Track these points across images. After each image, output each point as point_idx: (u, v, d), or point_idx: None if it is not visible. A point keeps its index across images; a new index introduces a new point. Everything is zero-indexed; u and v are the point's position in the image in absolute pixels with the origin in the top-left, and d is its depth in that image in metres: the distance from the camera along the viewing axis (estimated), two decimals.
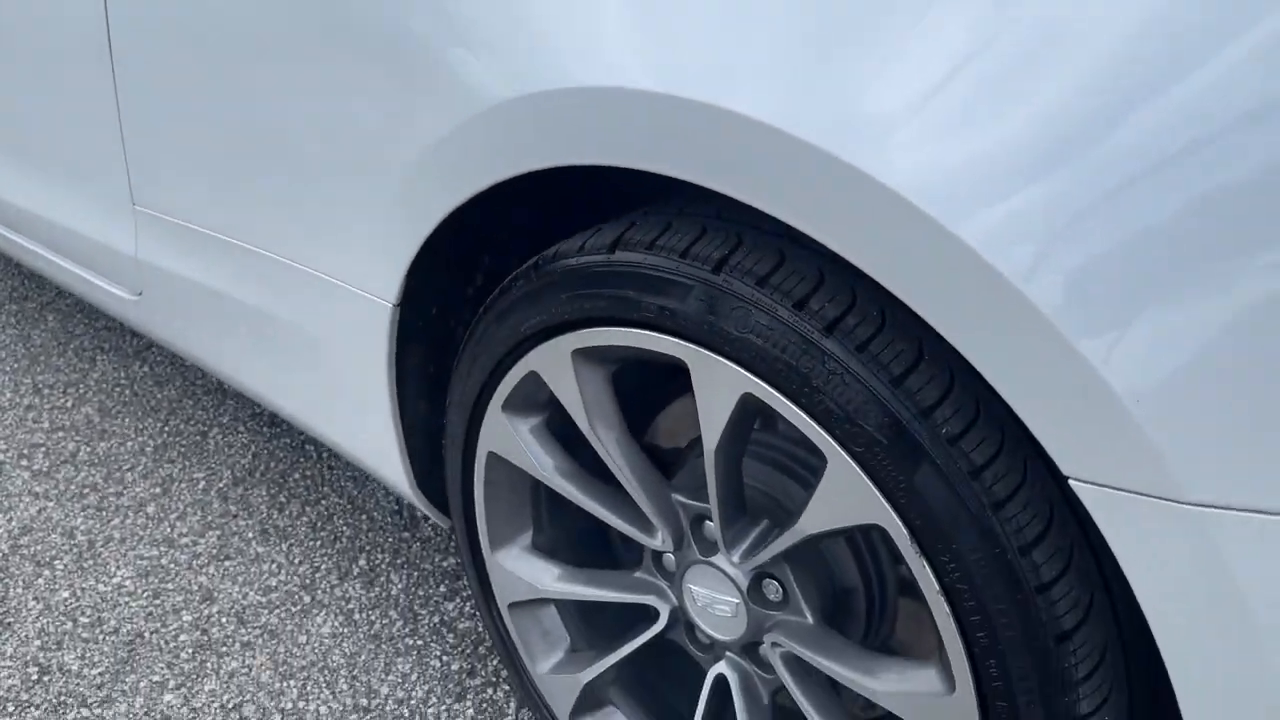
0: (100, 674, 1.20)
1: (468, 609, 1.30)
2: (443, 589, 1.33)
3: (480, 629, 1.26)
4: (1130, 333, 0.53)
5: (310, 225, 1.00)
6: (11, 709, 1.15)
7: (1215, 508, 0.53)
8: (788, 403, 0.69)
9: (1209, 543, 0.53)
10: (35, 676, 1.19)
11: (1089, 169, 0.53)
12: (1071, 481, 0.58)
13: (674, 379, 0.89)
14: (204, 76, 1.05)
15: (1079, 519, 0.63)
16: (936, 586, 0.66)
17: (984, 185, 0.55)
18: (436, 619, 1.28)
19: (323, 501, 1.49)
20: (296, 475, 1.54)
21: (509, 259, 0.94)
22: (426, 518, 1.45)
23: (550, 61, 0.73)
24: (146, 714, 1.14)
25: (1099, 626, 0.64)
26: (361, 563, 1.37)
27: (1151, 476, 0.54)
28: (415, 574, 1.35)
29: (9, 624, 1.26)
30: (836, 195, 0.60)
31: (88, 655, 1.22)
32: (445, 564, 1.37)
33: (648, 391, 0.96)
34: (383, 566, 1.36)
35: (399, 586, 1.33)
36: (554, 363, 0.83)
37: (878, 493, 0.66)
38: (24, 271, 2.15)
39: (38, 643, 1.24)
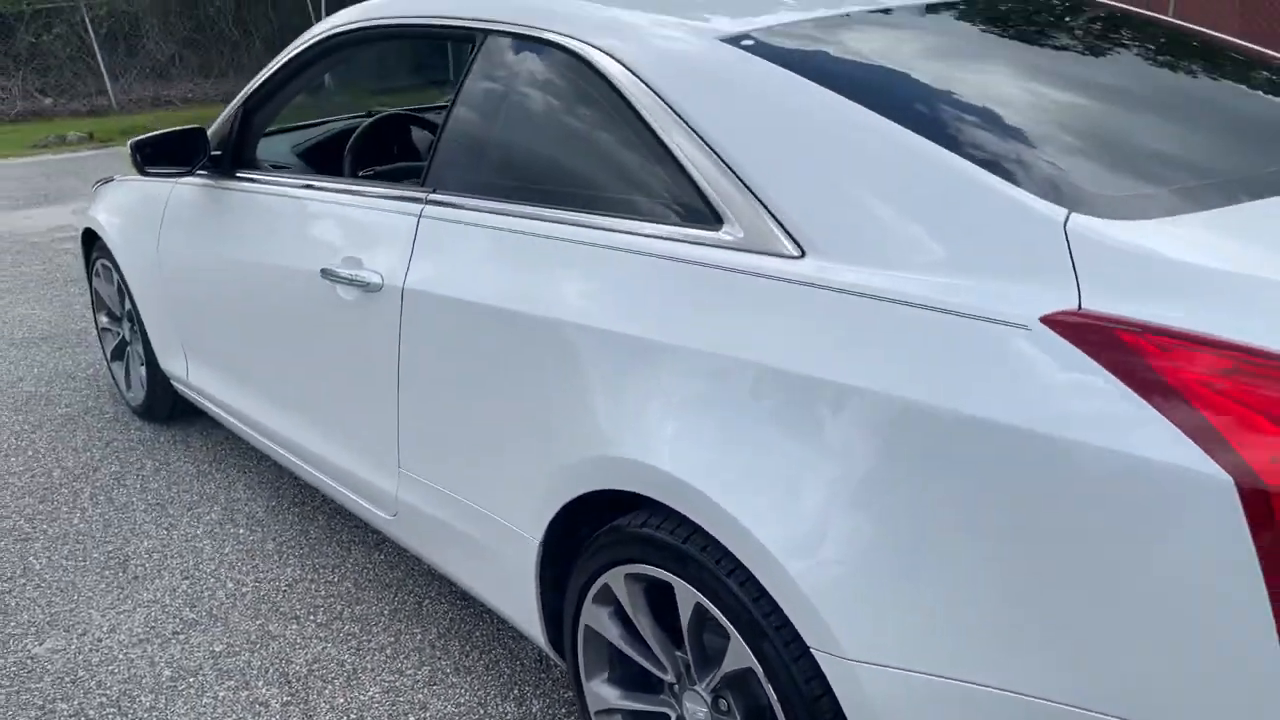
0: None
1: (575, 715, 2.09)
2: (563, 710, 2.12)
3: None
4: (815, 562, 1.31)
5: (496, 490, 1.87)
6: None
7: (865, 663, 1.29)
8: (714, 609, 1.48)
9: (859, 685, 1.29)
10: None
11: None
12: (813, 650, 1.35)
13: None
14: (454, 396, 1.95)
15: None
16: (776, 699, 1.42)
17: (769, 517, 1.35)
18: (567, 715, 2.08)
19: (493, 650, 2.32)
20: (478, 634, 2.39)
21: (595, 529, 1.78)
22: (556, 666, 2.27)
23: (594, 447, 1.59)
24: None
25: None
26: (516, 691, 2.19)
27: (817, 641, 1.31)
28: (548, 698, 2.15)
29: (310, 714, 2.13)
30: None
31: None
32: (566, 694, 2.17)
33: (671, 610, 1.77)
34: (529, 692, 2.18)
35: (538, 705, 2.13)
36: (616, 580, 1.66)
37: (750, 652, 1.44)
38: (302, 485, 3.16)
39: None
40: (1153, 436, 1.09)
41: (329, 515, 2.95)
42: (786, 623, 1.40)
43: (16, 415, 3.80)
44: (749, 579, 1.44)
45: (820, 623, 1.32)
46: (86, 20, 15.09)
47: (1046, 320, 1.19)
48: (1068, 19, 2.02)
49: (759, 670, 1.44)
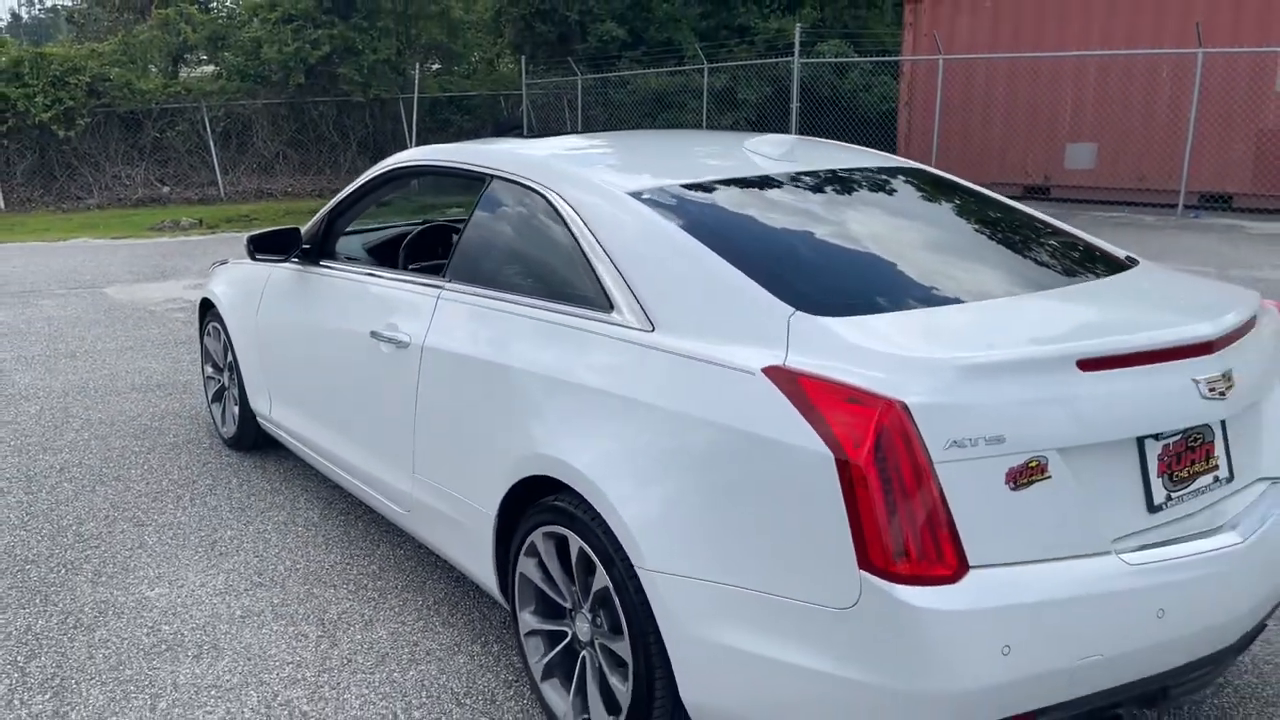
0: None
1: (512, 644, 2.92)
2: (512, 651, 2.96)
3: (518, 662, 2.88)
4: (640, 514, 2.16)
5: (471, 482, 2.76)
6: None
7: (659, 572, 2.14)
8: (588, 548, 2.34)
9: (658, 587, 2.13)
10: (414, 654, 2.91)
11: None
12: (635, 568, 2.19)
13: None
14: (451, 417, 2.87)
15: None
16: (620, 605, 2.26)
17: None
18: (513, 653, 2.91)
19: (471, 614, 3.18)
20: (463, 604, 3.25)
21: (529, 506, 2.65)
22: (510, 624, 3.11)
23: (530, 446, 2.48)
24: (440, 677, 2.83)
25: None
26: (483, 639, 3.03)
27: (638, 561, 2.15)
28: (505, 644, 3.00)
29: (335, 645, 3.00)
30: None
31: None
32: (512, 642, 3.01)
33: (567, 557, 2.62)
34: (492, 639, 3.02)
35: (498, 648, 2.98)
36: (539, 538, 2.52)
37: (606, 574, 2.29)
38: (348, 500, 4.08)
39: (385, 639, 2.97)
40: (804, 434, 1.95)
41: (366, 523, 3.87)
42: (625, 554, 2.25)
43: (136, 441, 4.83)
44: (606, 528, 2.30)
45: (639, 549, 2.18)
46: (205, 119, 16.93)
47: (764, 370, 2.07)
48: (864, 183, 2.93)
49: (611, 586, 2.29)
